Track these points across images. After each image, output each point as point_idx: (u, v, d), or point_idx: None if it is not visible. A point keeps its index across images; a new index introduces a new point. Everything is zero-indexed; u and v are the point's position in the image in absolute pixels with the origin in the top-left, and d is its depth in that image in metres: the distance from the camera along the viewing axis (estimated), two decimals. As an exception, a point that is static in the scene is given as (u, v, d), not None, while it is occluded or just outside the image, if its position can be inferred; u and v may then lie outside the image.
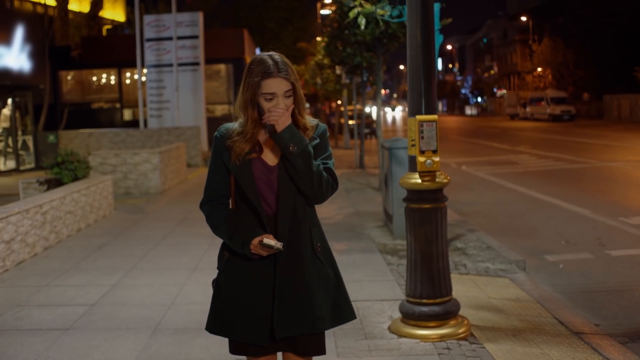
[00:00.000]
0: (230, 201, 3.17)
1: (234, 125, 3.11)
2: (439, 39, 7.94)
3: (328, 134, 3.18)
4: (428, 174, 5.20)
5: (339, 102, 32.03)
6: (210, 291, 6.71)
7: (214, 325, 3.14)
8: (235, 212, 3.11)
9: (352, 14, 7.64)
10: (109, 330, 5.71)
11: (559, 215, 11.19)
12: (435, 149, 5.17)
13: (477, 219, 11.09)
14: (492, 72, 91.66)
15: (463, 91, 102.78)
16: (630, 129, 36.47)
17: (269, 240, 2.92)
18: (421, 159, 5.16)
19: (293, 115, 3.05)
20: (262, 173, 3.05)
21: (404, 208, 5.54)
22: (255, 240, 2.95)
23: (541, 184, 15.00)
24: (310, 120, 3.13)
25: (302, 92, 3.07)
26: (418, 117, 5.19)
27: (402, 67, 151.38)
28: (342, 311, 3.15)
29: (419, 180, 5.22)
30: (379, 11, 7.52)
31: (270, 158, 3.07)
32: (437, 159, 5.18)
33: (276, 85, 2.97)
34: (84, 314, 6.19)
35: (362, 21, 7.46)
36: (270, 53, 3.06)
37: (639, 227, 9.78)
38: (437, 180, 5.22)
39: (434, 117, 5.21)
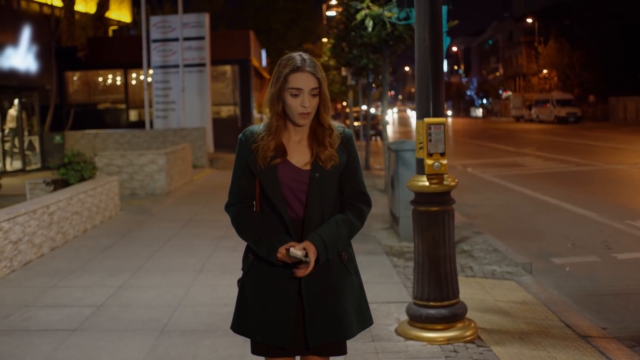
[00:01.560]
0: (255, 203, 3.15)
1: (259, 128, 3.08)
2: (446, 41, 7.93)
3: (354, 140, 3.16)
4: (436, 176, 5.19)
5: (344, 103, 32.03)
6: (216, 293, 6.78)
7: (238, 325, 3.16)
8: (261, 215, 3.09)
9: (359, 16, 7.64)
10: (116, 332, 5.71)
11: (565, 217, 11.17)
12: (443, 151, 5.17)
13: (483, 221, 11.08)
14: (498, 74, 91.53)
15: (468, 93, 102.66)
16: (636, 131, 36.38)
17: (296, 251, 2.90)
18: (429, 161, 5.16)
19: (318, 114, 3.03)
20: (289, 177, 3.03)
21: (410, 210, 5.54)
22: (283, 249, 2.93)
23: (547, 186, 14.98)
24: (336, 127, 3.10)
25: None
26: (426, 119, 5.19)
27: (407, 68, 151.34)
28: (366, 316, 3.17)
29: (427, 183, 5.22)
30: (387, 13, 7.51)
31: (299, 160, 3.05)
32: (444, 161, 5.17)
33: (303, 81, 2.95)
34: (91, 315, 6.20)
35: (370, 23, 7.46)
36: (300, 52, 3.07)
37: (646, 230, 9.77)
38: (444, 183, 5.22)
39: (442, 119, 5.21)
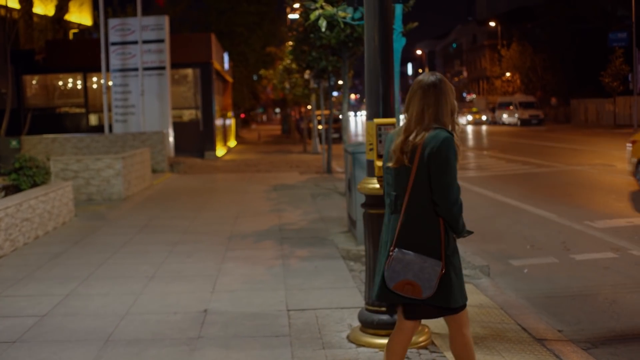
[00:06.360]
0: None
1: None
2: (401, 41, 7.83)
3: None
4: (386, 178, 5.05)
5: (309, 107, 31.91)
6: (166, 300, 6.60)
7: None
8: None
9: (313, 16, 7.50)
10: (59, 343, 5.49)
11: (525, 219, 11.14)
12: (393, 153, 5.03)
13: (443, 223, 10.99)
14: (462, 76, 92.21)
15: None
16: (597, 133, 36.84)
17: None
18: (379, 163, 5.02)
19: None
20: None
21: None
22: None
23: (508, 188, 14.98)
24: None
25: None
26: (376, 120, 5.06)
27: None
28: None
29: (377, 185, 5.09)
30: (340, 13, 7.40)
31: None
32: (395, 163, 5.04)
33: None
34: (34, 325, 5.95)
35: (323, 23, 7.32)
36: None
37: (604, 231, 9.75)
38: (395, 185, 5.08)
39: (393, 120, 5.09)
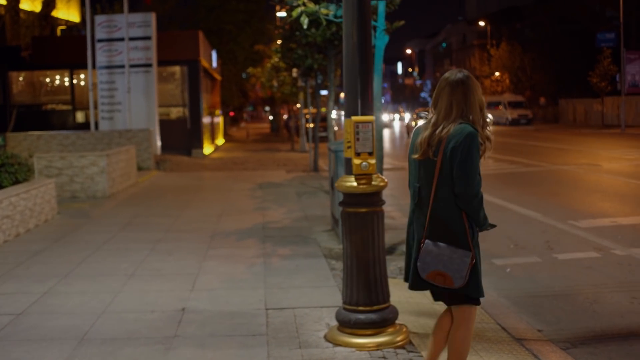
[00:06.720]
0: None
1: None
2: (384, 39, 7.79)
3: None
4: (364, 177, 5.02)
5: (298, 105, 31.84)
6: (144, 299, 6.54)
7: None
8: None
9: (295, 13, 7.45)
10: (33, 341, 5.41)
11: (510, 218, 11.11)
12: (371, 151, 4.99)
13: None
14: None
15: (422, 95, 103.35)
16: (585, 133, 36.95)
17: None
18: (357, 161, 4.98)
19: None
20: None
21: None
22: None
23: (495, 187, 14.96)
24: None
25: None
26: (354, 118, 5.02)
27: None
28: None
29: (355, 184, 5.04)
30: (323, 10, 7.35)
31: None
32: (373, 161, 5.00)
33: None
34: (9, 324, 5.88)
35: (305, 20, 7.27)
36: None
37: (587, 231, 9.74)
38: (373, 183, 5.04)
39: (370, 118, 5.04)
